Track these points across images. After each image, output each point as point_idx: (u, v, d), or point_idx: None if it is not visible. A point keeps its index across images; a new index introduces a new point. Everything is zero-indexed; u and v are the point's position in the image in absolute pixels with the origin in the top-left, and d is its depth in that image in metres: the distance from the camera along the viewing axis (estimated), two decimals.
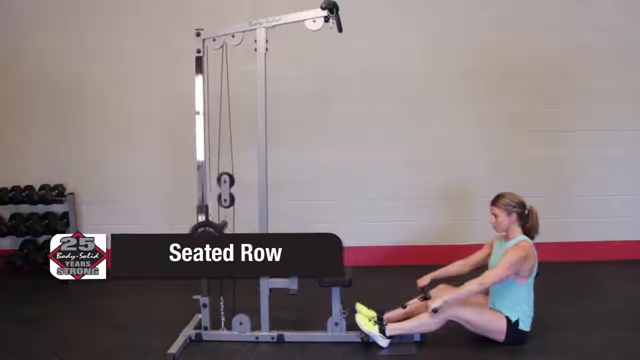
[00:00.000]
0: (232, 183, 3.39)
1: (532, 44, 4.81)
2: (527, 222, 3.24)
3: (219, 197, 3.39)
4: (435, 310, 3.09)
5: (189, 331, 3.42)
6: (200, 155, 3.34)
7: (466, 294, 3.13)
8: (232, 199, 3.39)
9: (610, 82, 4.82)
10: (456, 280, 3.36)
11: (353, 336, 3.32)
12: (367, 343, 3.27)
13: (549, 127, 4.86)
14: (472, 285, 3.11)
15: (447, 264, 3.53)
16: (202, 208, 3.34)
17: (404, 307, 3.32)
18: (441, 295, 3.17)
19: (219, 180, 3.39)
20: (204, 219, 3.32)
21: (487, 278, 3.12)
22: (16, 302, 4.26)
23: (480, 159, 4.91)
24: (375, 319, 3.30)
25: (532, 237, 3.25)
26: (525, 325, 3.19)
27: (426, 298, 3.22)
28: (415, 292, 3.36)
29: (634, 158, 4.91)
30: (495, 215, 3.25)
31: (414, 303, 3.28)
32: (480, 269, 3.37)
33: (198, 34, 3.27)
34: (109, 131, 4.98)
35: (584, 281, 4.44)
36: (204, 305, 3.37)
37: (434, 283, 3.44)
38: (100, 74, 4.91)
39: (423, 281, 3.42)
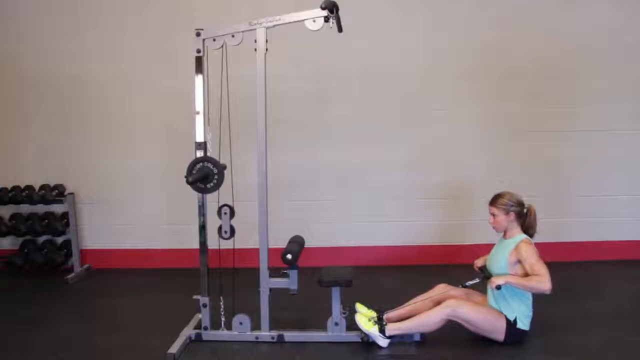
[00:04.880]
0: (232, 215, 3.35)
1: (532, 44, 4.81)
2: (526, 221, 3.25)
3: (220, 228, 3.36)
4: (499, 287, 3.08)
5: (189, 331, 3.42)
6: (200, 155, 3.33)
7: (525, 287, 3.09)
8: (232, 230, 3.35)
9: (610, 82, 4.82)
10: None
11: (353, 336, 3.32)
12: (367, 343, 3.27)
13: (549, 127, 4.86)
14: (533, 283, 3.07)
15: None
16: (201, 144, 3.29)
17: (464, 286, 3.30)
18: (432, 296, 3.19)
19: (219, 212, 3.35)
20: (202, 154, 3.27)
21: (545, 279, 3.04)
22: (16, 302, 4.25)
23: (480, 159, 4.91)
24: (375, 319, 3.30)
25: (530, 236, 3.27)
26: (524, 325, 3.19)
27: (487, 276, 3.22)
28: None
29: (634, 158, 4.91)
30: (494, 215, 3.26)
31: (474, 282, 3.27)
32: None
33: (198, 34, 3.27)
34: (109, 131, 4.98)
35: (584, 281, 4.45)
36: (204, 305, 3.37)
37: (435, 282, 3.46)
38: (100, 74, 4.92)
39: (480, 261, 3.44)
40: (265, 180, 3.30)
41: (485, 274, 3.26)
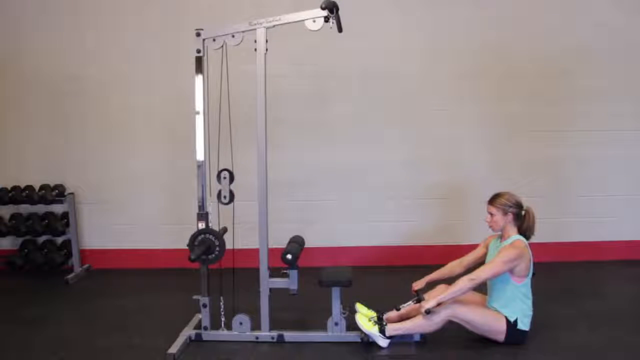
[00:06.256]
0: (232, 179, 3.38)
1: (532, 44, 4.81)
2: (523, 222, 3.24)
3: (219, 193, 3.38)
4: (428, 312, 3.09)
5: (189, 331, 3.42)
6: (200, 155, 3.34)
7: (459, 292, 3.13)
8: (231, 195, 3.38)
9: (610, 82, 4.82)
10: (453, 281, 3.36)
11: (353, 336, 3.32)
12: (367, 343, 3.27)
13: (549, 127, 4.86)
14: (464, 282, 3.11)
15: (446, 264, 3.53)
16: (203, 215, 3.33)
17: (397, 309, 3.33)
18: (436, 296, 3.17)
19: (218, 176, 3.38)
20: (204, 226, 3.32)
21: (479, 274, 3.12)
22: (16, 302, 4.25)
23: (480, 159, 4.91)
24: (375, 319, 3.30)
25: (527, 238, 3.25)
26: (524, 325, 3.19)
27: (420, 300, 3.23)
28: (410, 295, 3.39)
29: (634, 158, 4.91)
30: (492, 214, 3.26)
31: (408, 306, 3.30)
32: (475, 268, 3.38)
33: (198, 34, 3.27)
34: (109, 131, 4.97)
35: (584, 281, 4.45)
36: (204, 305, 3.37)
37: (430, 285, 3.45)
38: (100, 74, 4.91)
39: (418, 284, 3.44)
40: (265, 180, 3.30)
41: (418, 297, 3.26)
